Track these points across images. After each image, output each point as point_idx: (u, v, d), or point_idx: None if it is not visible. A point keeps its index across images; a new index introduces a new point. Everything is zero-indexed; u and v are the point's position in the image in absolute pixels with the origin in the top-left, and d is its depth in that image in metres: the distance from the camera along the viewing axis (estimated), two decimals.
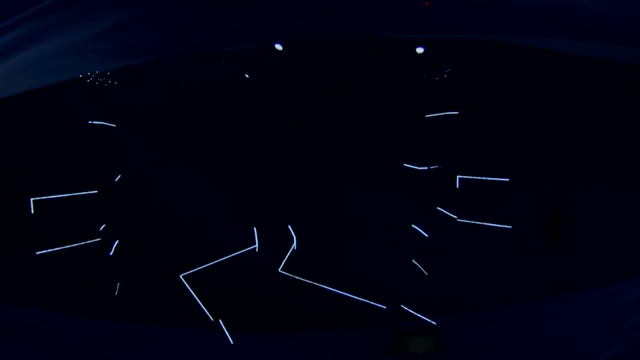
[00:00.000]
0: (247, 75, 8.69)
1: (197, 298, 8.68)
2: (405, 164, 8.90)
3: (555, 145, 8.03)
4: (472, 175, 8.58)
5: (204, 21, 5.74)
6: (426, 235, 8.86)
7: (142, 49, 6.19)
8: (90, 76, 8.52)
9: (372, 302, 8.72)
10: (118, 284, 8.53)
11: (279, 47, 8.32)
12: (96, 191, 8.64)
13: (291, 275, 8.88)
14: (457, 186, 8.67)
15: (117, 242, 8.65)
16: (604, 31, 5.56)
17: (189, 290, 8.67)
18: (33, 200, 8.37)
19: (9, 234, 8.26)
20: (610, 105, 7.69)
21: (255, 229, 9.03)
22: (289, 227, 9.12)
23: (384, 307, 8.68)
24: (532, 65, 7.97)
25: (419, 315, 8.63)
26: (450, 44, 7.82)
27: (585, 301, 7.67)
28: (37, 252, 8.30)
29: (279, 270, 8.92)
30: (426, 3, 6.77)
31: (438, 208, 8.79)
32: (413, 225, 8.89)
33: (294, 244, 9.05)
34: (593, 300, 7.56)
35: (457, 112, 8.55)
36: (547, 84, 8.06)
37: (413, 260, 8.83)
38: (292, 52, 8.36)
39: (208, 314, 8.67)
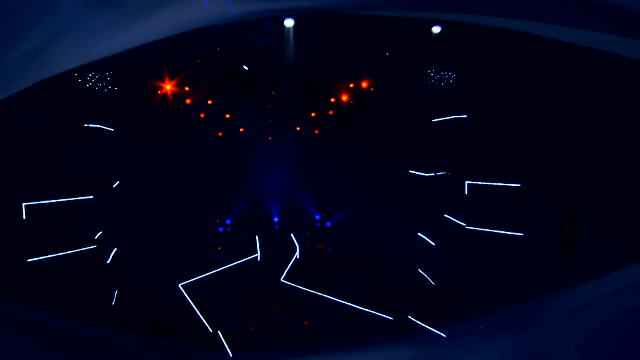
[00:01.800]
0: (245, 68, 8.49)
1: (196, 308, 8.43)
2: (411, 171, 8.76)
3: (569, 149, 7.86)
4: (482, 181, 8.43)
5: None
6: (433, 244, 8.71)
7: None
8: (90, 80, 8.37)
9: (378, 313, 8.50)
10: (115, 293, 8.29)
11: (290, 22, 8.07)
12: (92, 197, 8.38)
13: (294, 285, 8.68)
14: (466, 192, 8.51)
15: (115, 250, 8.41)
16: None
17: (188, 300, 8.42)
18: (25, 206, 8.12)
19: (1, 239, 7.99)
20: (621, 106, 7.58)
21: (257, 237, 8.84)
22: (292, 235, 8.95)
23: (391, 318, 8.47)
24: (540, 66, 7.86)
25: (427, 326, 8.39)
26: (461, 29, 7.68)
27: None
28: (29, 260, 8.02)
29: (282, 279, 8.72)
30: None
31: (446, 215, 8.66)
32: (419, 234, 8.78)
33: (297, 253, 8.87)
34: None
35: (465, 116, 8.43)
36: (557, 87, 7.93)
37: (420, 270, 8.65)
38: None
39: (207, 325, 8.41)
